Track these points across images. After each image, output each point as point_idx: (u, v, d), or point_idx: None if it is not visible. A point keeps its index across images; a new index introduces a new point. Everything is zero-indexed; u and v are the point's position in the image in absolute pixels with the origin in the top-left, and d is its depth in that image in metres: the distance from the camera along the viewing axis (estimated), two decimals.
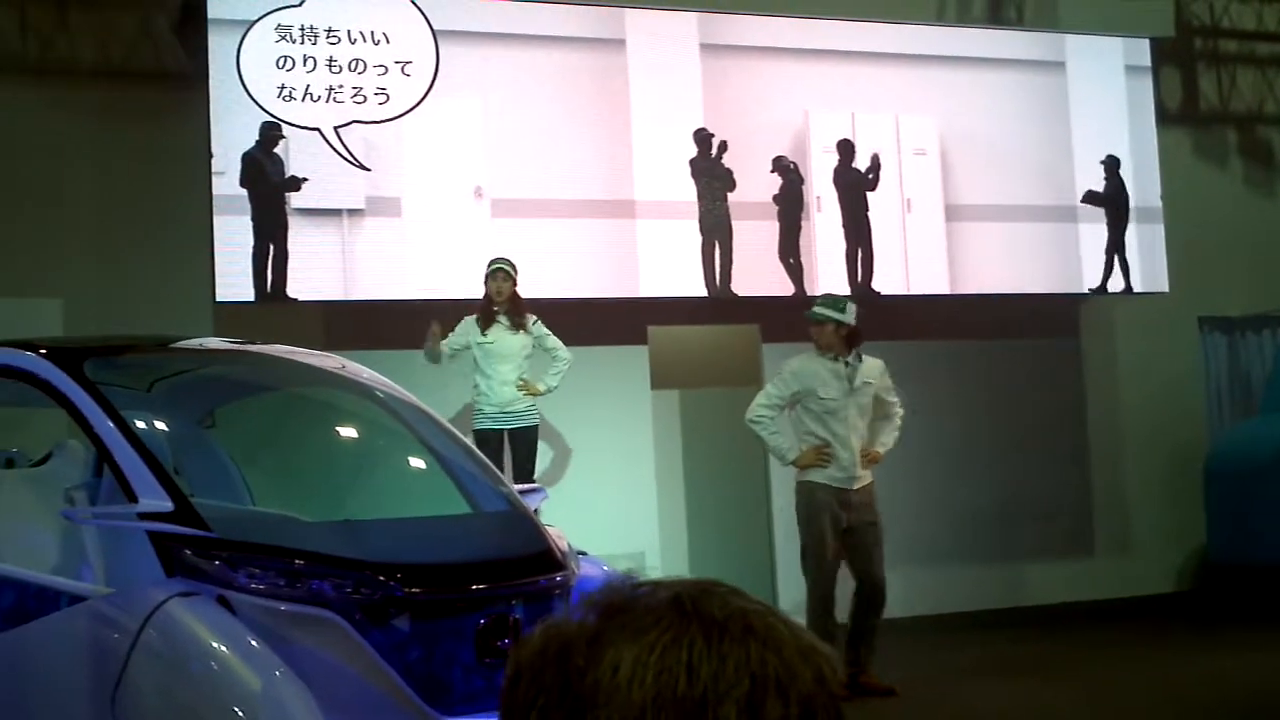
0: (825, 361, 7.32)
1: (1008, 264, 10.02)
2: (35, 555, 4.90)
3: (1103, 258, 10.20)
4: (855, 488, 7.26)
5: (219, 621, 4.05)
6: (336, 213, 8.52)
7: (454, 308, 8.20)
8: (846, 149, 9.61)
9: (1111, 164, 10.26)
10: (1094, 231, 10.23)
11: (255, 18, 8.39)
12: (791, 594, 8.22)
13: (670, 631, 1.00)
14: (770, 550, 9.41)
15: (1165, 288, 10.38)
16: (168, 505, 4.23)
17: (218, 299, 8.21)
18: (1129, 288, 10.25)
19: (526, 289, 8.27)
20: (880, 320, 8.53)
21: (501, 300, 8.04)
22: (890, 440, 7.45)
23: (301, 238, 8.39)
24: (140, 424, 4.63)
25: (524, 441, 8.00)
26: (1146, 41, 10.58)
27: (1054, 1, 10.86)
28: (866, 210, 9.62)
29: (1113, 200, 10.26)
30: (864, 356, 7.37)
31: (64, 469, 5.25)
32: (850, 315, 7.31)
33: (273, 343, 5.65)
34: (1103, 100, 10.41)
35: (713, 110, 9.30)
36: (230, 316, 8.12)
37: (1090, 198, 10.18)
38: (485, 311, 8.06)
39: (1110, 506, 10.65)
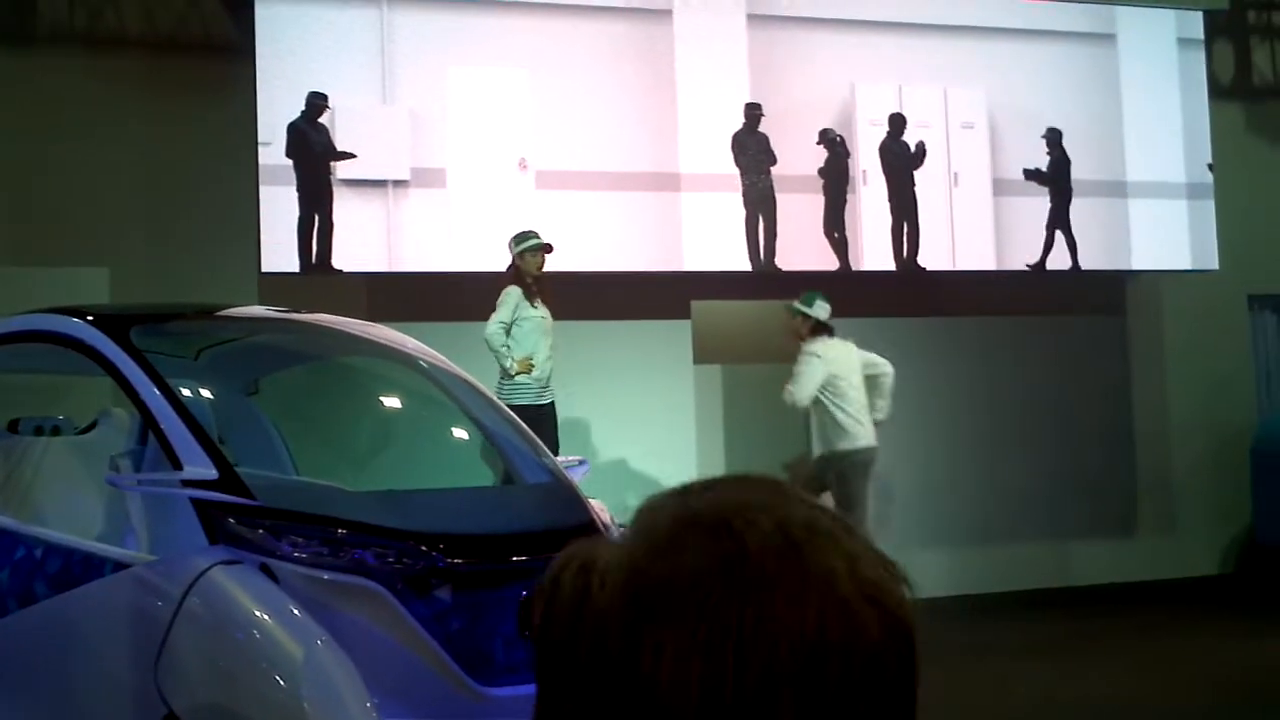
0: None
1: (1056, 240, 9.90)
2: (81, 522, 4.93)
3: (1062, 235, 9.86)
4: None
5: (262, 590, 4.04)
6: (381, 184, 8.52)
7: (496, 280, 8.16)
8: (897, 123, 9.52)
9: (1053, 137, 9.90)
10: (1144, 208, 10.10)
11: None
12: None
13: (715, 609, 0.88)
14: None
15: (1215, 265, 10.25)
16: (212, 473, 4.22)
17: (263, 269, 8.23)
18: (1076, 265, 9.90)
19: (569, 262, 8.22)
20: (926, 296, 8.47)
21: (540, 274, 7.91)
22: None
23: (346, 208, 8.40)
24: (186, 391, 4.63)
25: (551, 417, 7.79)
26: (1199, 14, 10.43)
27: None
28: (913, 185, 9.53)
29: (1055, 176, 9.93)
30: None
31: (109, 436, 5.28)
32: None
33: (317, 313, 5.65)
34: (1154, 74, 10.25)
35: (759, 82, 9.23)
36: (275, 287, 8.14)
37: (1032, 175, 9.84)
38: (528, 286, 7.87)
39: (1155, 487, 10.54)
